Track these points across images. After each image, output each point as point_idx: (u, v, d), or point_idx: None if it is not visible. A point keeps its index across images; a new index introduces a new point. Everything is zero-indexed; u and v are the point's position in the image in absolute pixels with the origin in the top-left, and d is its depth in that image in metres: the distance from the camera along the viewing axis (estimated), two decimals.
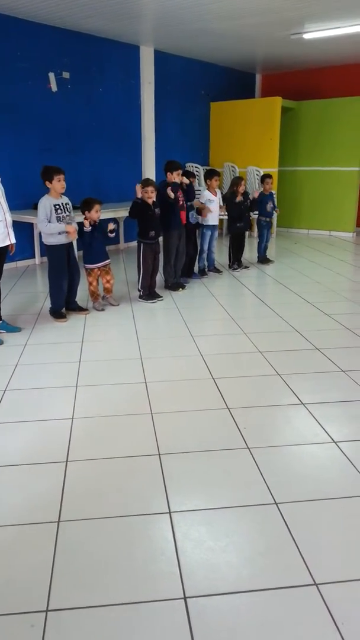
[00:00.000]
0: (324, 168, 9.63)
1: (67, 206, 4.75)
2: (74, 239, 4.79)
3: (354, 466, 2.52)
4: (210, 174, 6.35)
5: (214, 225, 6.43)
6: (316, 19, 6.77)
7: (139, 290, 5.48)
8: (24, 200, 6.78)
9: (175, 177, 5.45)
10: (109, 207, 7.25)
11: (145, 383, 3.48)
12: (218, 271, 6.67)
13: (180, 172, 5.50)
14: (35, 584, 1.85)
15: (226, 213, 6.65)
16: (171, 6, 6.18)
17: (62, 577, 1.87)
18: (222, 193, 6.80)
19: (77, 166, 7.54)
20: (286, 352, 4.05)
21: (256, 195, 6.83)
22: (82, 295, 5.26)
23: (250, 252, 7.66)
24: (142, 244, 5.31)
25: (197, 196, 6.27)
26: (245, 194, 6.66)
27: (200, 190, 7.04)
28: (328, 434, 2.81)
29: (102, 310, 5.13)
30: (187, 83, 9.33)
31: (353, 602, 1.77)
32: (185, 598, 1.78)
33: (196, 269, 6.49)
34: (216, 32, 7.42)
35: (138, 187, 5.12)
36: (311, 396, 3.27)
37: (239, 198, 6.50)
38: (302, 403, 3.18)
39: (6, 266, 4.72)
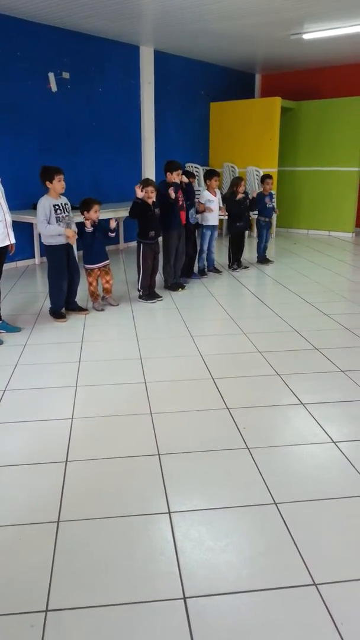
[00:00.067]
0: (323, 168, 9.63)
1: (66, 206, 4.75)
2: (73, 242, 4.79)
3: (354, 466, 2.52)
4: (209, 174, 6.36)
5: (213, 226, 6.43)
6: (316, 19, 6.77)
7: (139, 291, 5.48)
8: (23, 200, 6.78)
9: (175, 177, 5.45)
10: (109, 207, 7.25)
11: (145, 383, 3.48)
12: (218, 271, 6.67)
13: (180, 172, 5.51)
14: (35, 584, 1.85)
15: (226, 213, 6.65)
16: (171, 6, 6.18)
17: (62, 577, 1.87)
18: (221, 193, 6.81)
19: (77, 166, 7.54)
20: (286, 352, 4.05)
21: (254, 194, 6.84)
22: (81, 295, 5.26)
23: (249, 252, 7.67)
24: (141, 244, 5.31)
25: (196, 196, 6.27)
26: (245, 194, 6.67)
27: (199, 190, 7.04)
28: (327, 434, 2.81)
29: (102, 310, 5.13)
30: (187, 83, 9.34)
31: (352, 602, 1.77)
32: (184, 598, 1.78)
33: (196, 269, 6.49)
34: (216, 32, 7.42)
35: (138, 187, 5.12)
36: (310, 396, 3.27)
37: (240, 196, 6.51)
38: (302, 403, 3.18)
39: (6, 266, 4.72)
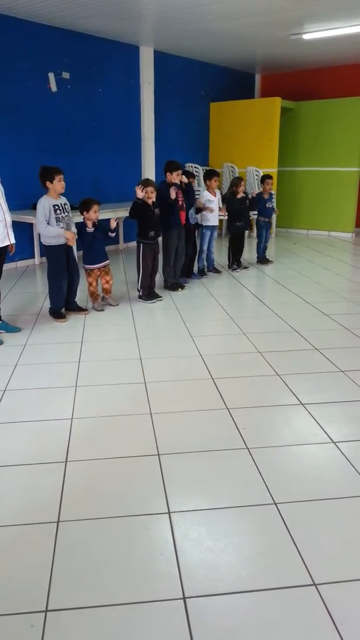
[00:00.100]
0: (323, 168, 9.63)
1: (66, 206, 4.75)
2: (73, 244, 4.78)
3: (353, 466, 2.52)
4: (209, 175, 6.36)
5: (213, 226, 6.43)
6: (316, 20, 6.77)
7: (139, 291, 5.48)
8: (23, 200, 6.78)
9: (175, 177, 5.45)
10: (109, 207, 7.25)
11: (145, 383, 3.48)
12: (217, 271, 6.67)
13: (180, 172, 5.51)
14: (34, 584, 1.85)
15: (226, 213, 6.66)
16: (171, 6, 6.18)
17: (62, 577, 1.87)
18: (221, 193, 6.81)
19: (77, 166, 7.54)
20: (285, 352, 4.05)
21: (254, 194, 6.84)
22: (81, 295, 5.26)
23: (249, 252, 7.67)
24: (141, 244, 5.31)
25: (196, 196, 6.27)
26: (245, 194, 6.67)
27: (199, 190, 7.04)
28: (327, 434, 2.81)
29: (102, 310, 5.13)
30: (186, 83, 9.34)
31: (352, 602, 1.77)
32: (184, 598, 1.78)
33: (195, 269, 6.49)
34: (216, 33, 7.42)
35: (138, 188, 5.12)
36: (310, 396, 3.27)
37: (240, 195, 6.51)
38: (302, 403, 3.19)
39: (6, 266, 4.72)
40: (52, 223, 4.61)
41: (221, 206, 6.52)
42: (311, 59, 9.22)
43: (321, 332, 4.49)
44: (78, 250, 5.09)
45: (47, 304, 5.04)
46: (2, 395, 3.32)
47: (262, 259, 7.27)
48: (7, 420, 3.03)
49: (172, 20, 6.78)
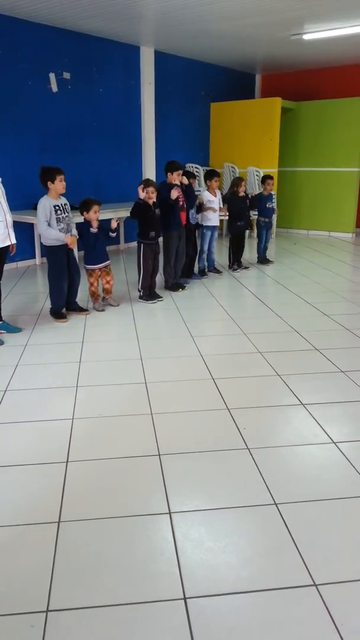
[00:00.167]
0: (323, 169, 9.63)
1: (66, 207, 4.75)
2: (73, 247, 4.78)
3: (354, 467, 2.52)
4: (210, 175, 6.36)
5: (214, 226, 6.43)
6: (316, 20, 6.78)
7: (139, 291, 5.49)
8: (24, 200, 6.78)
9: (176, 177, 5.45)
10: (109, 207, 7.25)
11: (146, 383, 3.48)
12: (218, 272, 6.68)
13: (180, 172, 5.51)
14: (35, 584, 1.85)
15: (227, 214, 6.66)
16: (172, 7, 6.19)
17: (63, 578, 1.88)
18: (222, 194, 6.81)
19: (78, 166, 7.54)
20: (286, 352, 4.05)
21: (254, 194, 6.85)
22: (82, 295, 5.27)
23: (250, 252, 7.67)
24: (142, 245, 5.31)
25: (197, 193, 6.27)
26: (245, 194, 6.67)
27: (200, 190, 7.05)
28: (327, 435, 2.81)
29: (103, 310, 5.14)
30: (187, 84, 9.34)
31: (353, 602, 1.77)
32: (185, 598, 1.78)
33: (196, 269, 6.49)
34: (216, 33, 7.42)
35: (140, 188, 5.12)
36: (311, 396, 3.27)
37: (241, 194, 6.52)
38: (302, 403, 3.19)
39: (6, 266, 4.73)
40: (53, 223, 4.61)
41: (222, 206, 6.53)
42: (311, 59, 9.22)
43: (321, 333, 4.49)
44: (79, 250, 5.10)
45: (48, 304, 5.05)
46: (3, 396, 3.33)
47: (263, 259, 7.27)
48: (8, 420, 3.03)
49: (172, 20, 6.78)
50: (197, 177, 8.22)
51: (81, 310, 5.05)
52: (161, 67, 8.65)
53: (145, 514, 2.20)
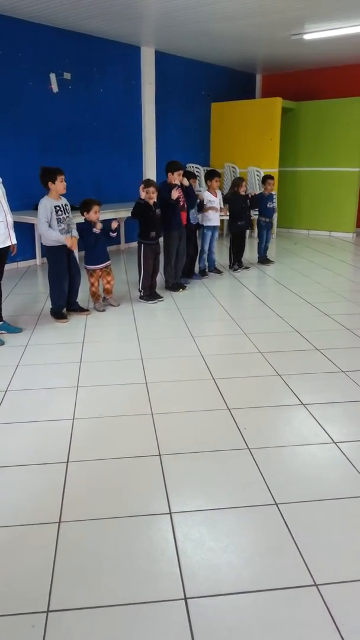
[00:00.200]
0: (324, 169, 9.63)
1: (66, 207, 4.75)
2: (74, 248, 4.78)
3: (354, 467, 2.52)
4: (210, 175, 6.36)
5: (214, 226, 6.43)
6: (317, 20, 6.77)
7: (140, 291, 5.49)
8: (24, 201, 6.79)
9: (176, 177, 5.46)
10: (110, 207, 7.25)
11: (146, 383, 3.48)
12: (218, 272, 6.68)
13: (181, 172, 5.51)
14: (36, 584, 1.85)
15: (227, 214, 6.65)
16: (173, 7, 6.19)
17: (63, 578, 1.88)
18: (222, 194, 6.81)
19: (78, 167, 7.55)
20: (286, 352, 4.05)
21: (255, 193, 6.85)
22: (82, 295, 5.27)
23: (250, 252, 7.67)
24: (142, 245, 5.31)
25: (197, 192, 6.26)
26: (246, 193, 6.68)
27: (200, 191, 7.04)
28: (328, 435, 2.81)
29: (103, 310, 5.14)
30: (187, 84, 9.34)
31: (353, 602, 1.77)
32: (185, 599, 1.78)
33: (197, 269, 6.49)
34: (217, 33, 7.42)
35: (141, 188, 5.13)
36: (311, 397, 3.27)
37: (242, 193, 6.52)
38: (303, 403, 3.19)
39: (7, 267, 4.73)
40: (54, 224, 4.61)
41: (222, 207, 6.52)
42: (312, 59, 9.22)
43: (322, 333, 4.49)
44: (79, 250, 5.09)
45: (49, 305, 5.05)
46: (4, 396, 3.33)
47: (263, 259, 7.27)
48: (9, 420, 3.03)
49: (173, 20, 6.78)
50: (198, 177, 8.22)
51: (82, 310, 5.05)
52: (162, 67, 8.65)
53: (146, 514, 2.20)
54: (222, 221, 7.23)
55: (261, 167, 9.19)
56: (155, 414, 3.06)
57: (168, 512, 2.21)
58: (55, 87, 7.23)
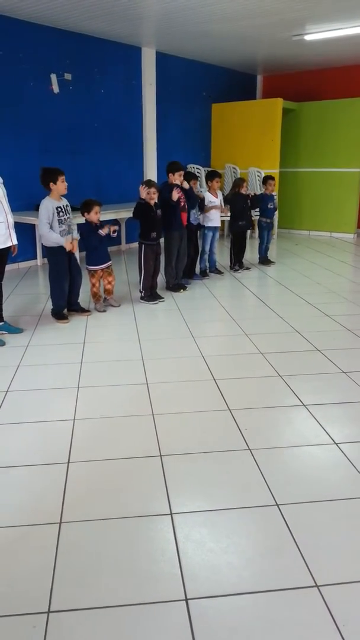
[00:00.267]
0: (325, 169, 9.63)
1: (67, 208, 4.75)
2: (75, 250, 4.78)
3: (355, 467, 2.52)
4: (211, 176, 6.36)
5: (215, 227, 6.43)
6: (317, 21, 6.78)
7: (141, 292, 5.49)
8: (25, 201, 6.79)
9: (177, 178, 5.46)
10: (110, 208, 7.26)
11: (147, 384, 3.48)
12: (219, 272, 6.68)
13: (182, 173, 5.51)
14: (37, 585, 1.85)
15: (228, 214, 6.65)
16: (174, 8, 6.19)
17: (64, 578, 1.88)
18: (223, 194, 6.81)
19: (79, 167, 7.55)
20: (287, 353, 4.05)
21: (254, 193, 6.85)
22: (83, 296, 5.27)
23: (251, 253, 7.67)
24: (143, 245, 5.31)
25: (199, 191, 6.26)
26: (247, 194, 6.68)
27: (201, 191, 7.05)
28: (329, 435, 2.81)
29: (104, 311, 5.14)
30: (188, 84, 9.35)
31: (354, 603, 1.77)
32: (186, 599, 1.78)
33: (197, 270, 6.49)
34: (218, 34, 7.43)
35: (142, 188, 5.13)
36: (312, 397, 3.27)
37: (244, 192, 6.52)
38: (303, 404, 3.19)
39: (8, 267, 4.73)
40: (55, 225, 4.60)
41: (223, 207, 6.52)
42: (313, 60, 9.22)
43: (323, 333, 4.48)
44: (80, 251, 5.09)
45: (49, 305, 5.05)
46: (5, 396, 3.33)
47: (264, 260, 7.27)
48: (10, 421, 3.03)
49: (174, 21, 6.79)
50: (199, 178, 8.22)
51: (83, 311, 5.05)
52: (162, 68, 8.66)
53: (146, 514, 2.20)
54: (222, 222, 7.24)
55: (262, 168, 9.19)
56: (156, 414, 3.06)
57: (169, 512, 2.21)
58: (56, 88, 7.24)
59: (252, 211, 6.98)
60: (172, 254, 5.69)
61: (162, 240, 5.49)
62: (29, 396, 3.35)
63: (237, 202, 6.55)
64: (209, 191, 6.34)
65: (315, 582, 1.84)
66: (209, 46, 8.23)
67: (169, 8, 6.21)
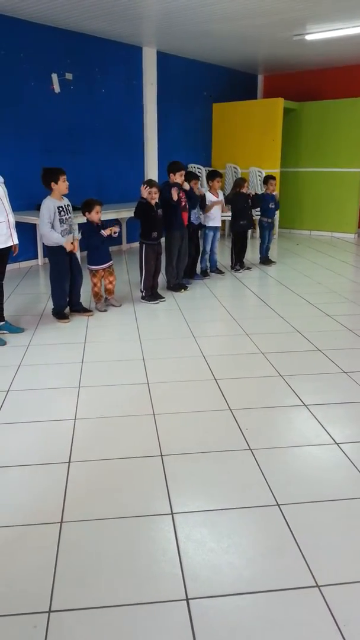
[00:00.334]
0: (326, 169, 9.63)
1: (69, 207, 4.75)
2: (76, 250, 4.78)
3: (356, 467, 2.52)
4: (212, 175, 6.36)
5: (216, 227, 6.43)
6: (318, 20, 6.77)
7: (142, 291, 5.49)
8: (26, 201, 6.79)
9: (178, 178, 5.46)
10: (111, 207, 7.26)
11: (148, 384, 3.48)
12: (220, 272, 6.68)
13: (183, 173, 5.51)
14: (37, 584, 1.85)
15: (229, 214, 6.65)
16: (175, 7, 6.19)
17: (65, 578, 1.88)
18: (224, 194, 6.81)
19: (80, 167, 7.55)
20: (288, 353, 4.05)
21: (256, 193, 6.85)
22: (84, 296, 5.27)
23: (252, 253, 7.67)
24: (144, 245, 5.31)
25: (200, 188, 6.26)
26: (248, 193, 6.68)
27: (201, 189, 7.04)
28: (330, 435, 2.81)
29: (105, 311, 5.14)
30: (189, 84, 9.35)
31: (355, 603, 1.77)
32: (187, 599, 1.78)
33: (198, 270, 6.49)
34: (219, 34, 7.43)
35: (144, 187, 5.13)
36: (313, 397, 3.27)
37: (245, 191, 6.52)
38: (304, 404, 3.18)
39: (9, 267, 4.73)
40: (56, 225, 4.61)
41: (224, 206, 6.52)
42: (314, 59, 9.21)
43: (324, 333, 4.48)
44: (81, 251, 5.09)
45: (50, 305, 5.05)
46: (5, 396, 3.33)
47: (265, 260, 7.27)
48: (10, 420, 3.03)
49: (175, 21, 6.79)
50: (199, 178, 8.22)
51: (85, 311, 5.05)
52: (163, 67, 8.65)
53: (147, 514, 2.20)
54: (223, 221, 7.24)
55: (263, 168, 9.19)
56: (156, 414, 3.06)
57: (170, 512, 2.21)
58: (57, 88, 7.24)
59: (253, 211, 6.99)
60: (173, 254, 5.69)
61: (163, 240, 5.49)
62: (30, 396, 3.35)
63: (238, 201, 6.54)
64: (209, 191, 6.34)
65: (316, 582, 1.84)
66: (210, 46, 8.23)
67: (169, 8, 6.21)
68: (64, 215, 4.66)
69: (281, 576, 1.88)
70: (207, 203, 6.23)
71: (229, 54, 8.84)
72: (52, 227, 4.60)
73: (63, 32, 7.14)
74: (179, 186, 5.45)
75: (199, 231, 6.35)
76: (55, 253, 4.74)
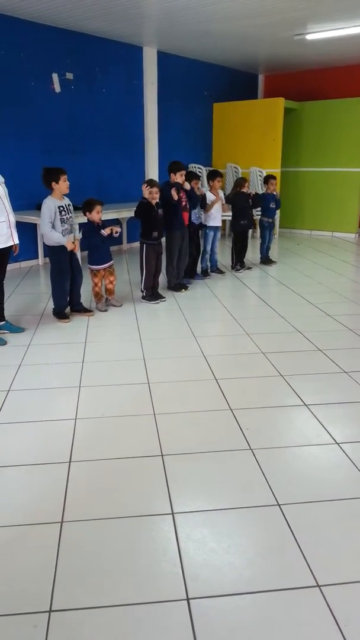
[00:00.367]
0: (326, 169, 9.63)
1: (69, 207, 4.75)
2: (76, 250, 4.78)
3: (357, 467, 2.52)
4: (212, 175, 6.36)
5: (216, 227, 6.43)
6: (319, 20, 6.77)
7: (142, 291, 5.49)
8: (27, 200, 6.79)
9: (179, 178, 5.46)
10: (112, 207, 7.25)
11: (148, 384, 3.48)
12: (221, 272, 6.67)
13: (183, 172, 5.51)
14: (38, 584, 1.85)
15: (230, 213, 6.64)
16: (175, 7, 6.19)
17: (65, 578, 1.88)
18: (224, 194, 6.81)
19: (80, 167, 7.55)
20: (289, 353, 4.05)
21: (257, 192, 6.85)
22: (85, 296, 5.27)
23: (252, 253, 7.67)
24: (144, 245, 5.31)
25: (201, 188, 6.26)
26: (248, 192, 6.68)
27: (202, 191, 7.04)
28: (331, 435, 2.81)
29: (105, 311, 5.14)
30: (189, 84, 9.34)
31: (356, 603, 1.77)
32: (188, 599, 1.78)
33: (199, 269, 6.49)
34: (219, 33, 7.42)
35: (145, 187, 5.13)
36: (314, 397, 3.27)
37: (245, 190, 6.52)
38: (305, 404, 3.18)
39: (9, 267, 4.73)
40: (57, 224, 4.61)
41: (225, 205, 6.51)
42: (314, 59, 9.21)
43: (324, 333, 4.48)
44: (82, 250, 5.09)
45: (51, 305, 5.05)
46: (6, 396, 3.33)
47: (266, 260, 7.27)
48: (11, 420, 3.03)
49: (175, 21, 6.78)
50: (200, 178, 8.22)
51: (86, 311, 5.05)
52: (164, 67, 8.65)
53: (148, 514, 2.20)
54: (224, 221, 7.24)
55: (263, 168, 9.19)
56: (157, 414, 3.06)
57: (170, 512, 2.21)
58: (57, 87, 7.24)
59: (253, 211, 6.98)
60: (174, 254, 5.69)
61: (163, 239, 5.49)
62: (31, 395, 3.35)
63: (238, 201, 6.54)
64: (210, 191, 6.34)
65: (316, 582, 1.84)
66: (211, 45, 8.23)
67: (170, 7, 6.21)
68: (65, 215, 4.66)
69: (282, 576, 1.88)
70: (207, 203, 6.23)
71: (229, 53, 8.84)
72: (53, 226, 4.60)
73: (63, 32, 7.14)
74: (180, 186, 5.45)
75: (200, 231, 6.35)
76: (56, 253, 4.75)
